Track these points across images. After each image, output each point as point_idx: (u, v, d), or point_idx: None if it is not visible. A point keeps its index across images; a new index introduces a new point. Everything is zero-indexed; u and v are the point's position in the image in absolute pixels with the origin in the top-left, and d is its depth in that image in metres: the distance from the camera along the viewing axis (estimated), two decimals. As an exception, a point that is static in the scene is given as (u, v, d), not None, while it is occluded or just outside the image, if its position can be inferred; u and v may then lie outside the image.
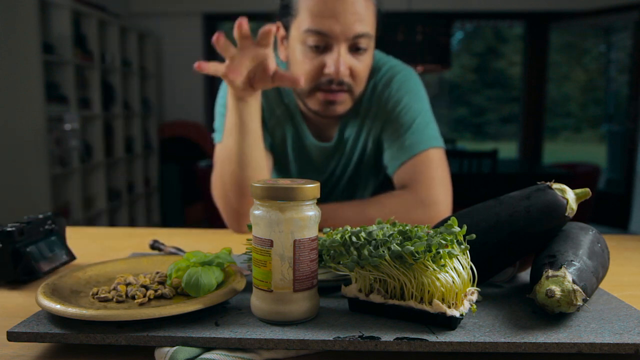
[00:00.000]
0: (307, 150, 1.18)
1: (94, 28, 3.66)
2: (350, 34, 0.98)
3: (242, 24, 0.85)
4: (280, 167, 1.19)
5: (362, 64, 1.03)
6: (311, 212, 0.52)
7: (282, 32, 1.07)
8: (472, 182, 3.57)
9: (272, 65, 0.88)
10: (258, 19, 3.71)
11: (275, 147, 1.16)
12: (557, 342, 0.47)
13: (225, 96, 1.10)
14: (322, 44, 0.99)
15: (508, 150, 5.77)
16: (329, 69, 0.99)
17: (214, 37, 0.85)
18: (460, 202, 1.16)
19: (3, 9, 2.93)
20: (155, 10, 4.72)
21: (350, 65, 1.01)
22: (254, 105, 0.94)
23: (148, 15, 4.73)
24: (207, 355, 0.46)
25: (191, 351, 0.47)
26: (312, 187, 0.51)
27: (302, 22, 0.99)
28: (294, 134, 1.16)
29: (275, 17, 1.07)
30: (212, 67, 0.86)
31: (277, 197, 0.50)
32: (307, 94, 1.05)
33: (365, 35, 1.00)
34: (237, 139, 0.95)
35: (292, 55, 1.04)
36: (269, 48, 0.88)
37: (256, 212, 0.52)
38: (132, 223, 4.32)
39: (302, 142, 1.17)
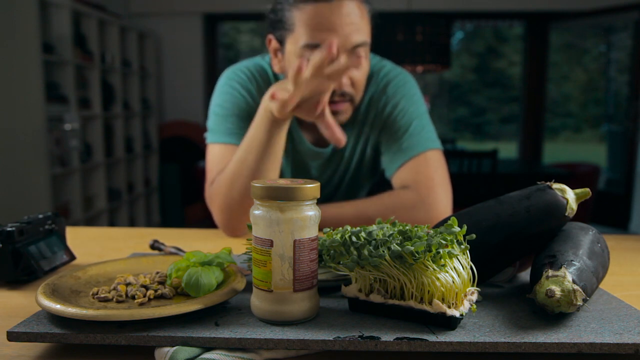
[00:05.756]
0: (302, 155, 1.17)
1: (94, 28, 3.66)
2: (349, 45, 0.97)
3: (332, 47, 0.80)
4: None
5: (361, 72, 1.03)
6: (311, 212, 0.52)
7: (274, 44, 1.06)
8: (472, 182, 3.57)
9: (325, 101, 0.88)
10: (258, 18, 3.71)
11: None
12: (557, 342, 0.47)
13: (223, 97, 1.10)
14: None
15: (508, 150, 5.77)
16: None
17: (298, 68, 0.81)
18: (460, 202, 1.16)
19: (3, 9, 2.93)
20: (155, 10, 4.72)
21: (350, 74, 1.01)
22: (285, 129, 0.95)
23: (148, 15, 4.73)
24: (207, 355, 0.46)
25: (191, 351, 0.47)
26: (312, 187, 0.51)
27: (299, 37, 0.98)
28: (289, 139, 1.15)
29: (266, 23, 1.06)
30: (281, 93, 0.85)
31: (277, 197, 0.50)
32: None
33: (363, 44, 0.99)
34: (259, 158, 0.94)
35: (289, 68, 1.03)
36: (333, 84, 0.86)
37: (256, 212, 0.52)
38: (132, 223, 4.32)
39: (296, 147, 1.16)
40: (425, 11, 4.52)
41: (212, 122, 1.11)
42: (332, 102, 1.02)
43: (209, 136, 1.10)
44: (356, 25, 0.97)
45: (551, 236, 0.60)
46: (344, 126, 1.14)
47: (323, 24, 0.96)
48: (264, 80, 1.12)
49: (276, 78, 1.13)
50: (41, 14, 3.04)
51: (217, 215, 1.01)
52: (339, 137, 0.89)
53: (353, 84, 1.02)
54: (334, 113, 1.03)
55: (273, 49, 1.07)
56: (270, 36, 1.06)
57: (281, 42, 1.03)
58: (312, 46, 0.97)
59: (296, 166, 1.18)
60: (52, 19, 3.28)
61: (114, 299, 0.56)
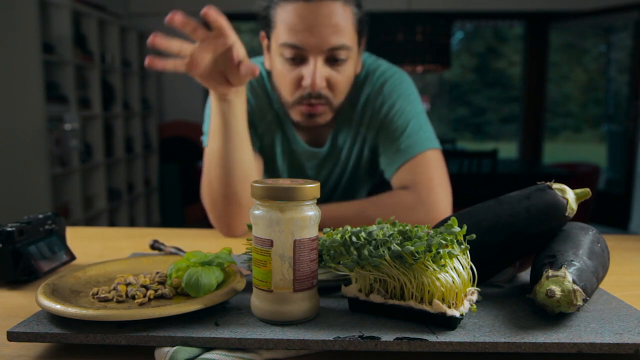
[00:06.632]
0: (297, 155, 1.16)
1: (94, 28, 3.66)
2: (325, 47, 0.96)
3: (173, 18, 0.75)
4: (270, 173, 1.18)
5: (341, 75, 1.02)
6: (311, 212, 0.52)
7: (265, 41, 1.06)
8: (472, 182, 3.57)
9: (239, 53, 0.83)
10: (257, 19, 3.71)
11: (264, 152, 1.15)
12: (557, 342, 0.47)
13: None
14: (298, 57, 0.98)
15: (508, 150, 5.77)
16: (305, 82, 0.98)
17: (149, 40, 0.75)
18: (460, 202, 1.16)
19: (3, 9, 2.93)
20: (155, 10, 4.72)
21: (327, 76, 1.00)
22: (238, 104, 0.91)
23: (148, 15, 4.73)
24: (207, 355, 0.46)
25: (191, 351, 0.47)
26: (312, 187, 0.51)
27: (279, 35, 0.99)
28: (284, 139, 1.15)
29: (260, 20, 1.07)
30: (170, 64, 0.80)
31: (277, 197, 0.50)
32: (289, 105, 1.05)
33: (341, 47, 0.98)
34: (222, 142, 0.92)
35: (273, 65, 1.04)
36: (230, 37, 0.81)
37: (256, 212, 0.52)
38: (132, 223, 4.32)
39: (291, 147, 1.16)
40: (425, 11, 4.52)
41: (206, 125, 1.11)
42: (307, 104, 1.02)
43: (204, 140, 1.10)
44: (336, 27, 0.96)
45: (551, 236, 0.60)
46: (339, 128, 1.14)
47: (299, 24, 0.95)
48: (257, 82, 1.13)
49: (269, 77, 1.13)
50: (41, 14, 3.04)
51: (209, 215, 1.01)
52: (253, 65, 0.83)
53: (330, 87, 1.01)
54: (310, 115, 1.03)
55: (265, 45, 1.08)
56: (262, 33, 1.07)
57: (269, 38, 1.04)
58: (289, 46, 0.97)
59: (292, 166, 1.18)
60: (52, 19, 3.28)
61: (114, 299, 0.56)
